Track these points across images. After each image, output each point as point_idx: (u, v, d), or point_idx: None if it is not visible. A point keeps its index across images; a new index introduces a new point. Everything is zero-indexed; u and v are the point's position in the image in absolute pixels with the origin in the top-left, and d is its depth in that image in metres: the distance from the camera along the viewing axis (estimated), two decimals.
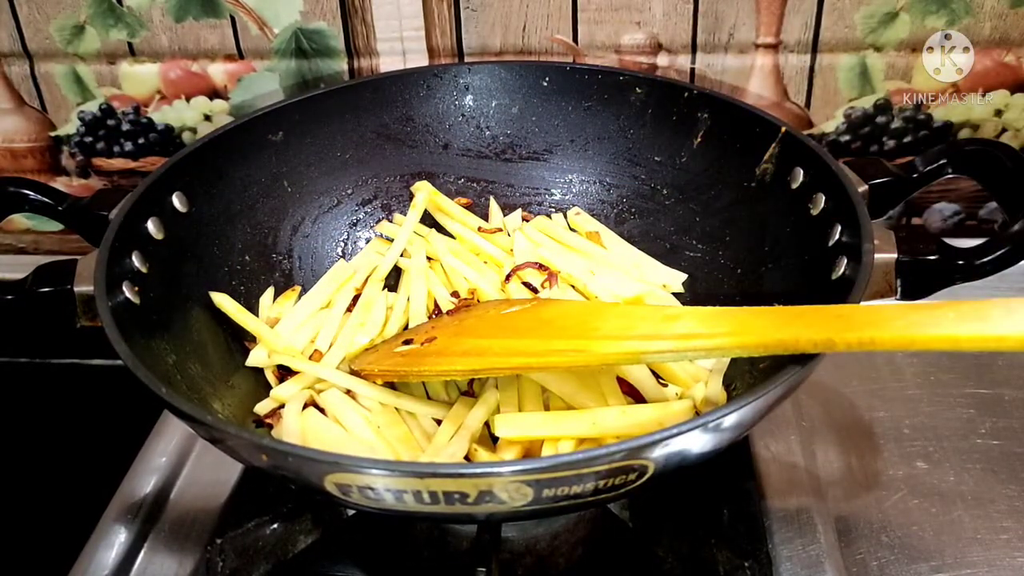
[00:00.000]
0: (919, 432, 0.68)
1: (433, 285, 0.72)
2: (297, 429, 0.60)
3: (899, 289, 0.57)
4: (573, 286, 0.71)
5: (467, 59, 0.82)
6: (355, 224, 0.78)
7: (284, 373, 0.66)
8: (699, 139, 0.73)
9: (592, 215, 0.78)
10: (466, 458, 0.57)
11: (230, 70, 0.84)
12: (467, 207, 0.78)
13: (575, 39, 0.81)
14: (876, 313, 0.45)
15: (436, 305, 0.71)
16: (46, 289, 0.58)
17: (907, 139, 0.82)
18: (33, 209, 0.65)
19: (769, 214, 0.68)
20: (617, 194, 0.78)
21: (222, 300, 0.67)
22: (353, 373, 0.64)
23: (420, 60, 0.82)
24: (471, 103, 0.79)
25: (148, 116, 0.87)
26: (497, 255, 0.74)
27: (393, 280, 0.75)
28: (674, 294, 0.72)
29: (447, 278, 0.74)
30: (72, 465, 0.75)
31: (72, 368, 0.84)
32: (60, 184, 0.91)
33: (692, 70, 0.81)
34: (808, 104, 0.81)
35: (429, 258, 0.75)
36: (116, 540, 0.62)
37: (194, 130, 0.88)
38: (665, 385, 0.64)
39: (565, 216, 0.78)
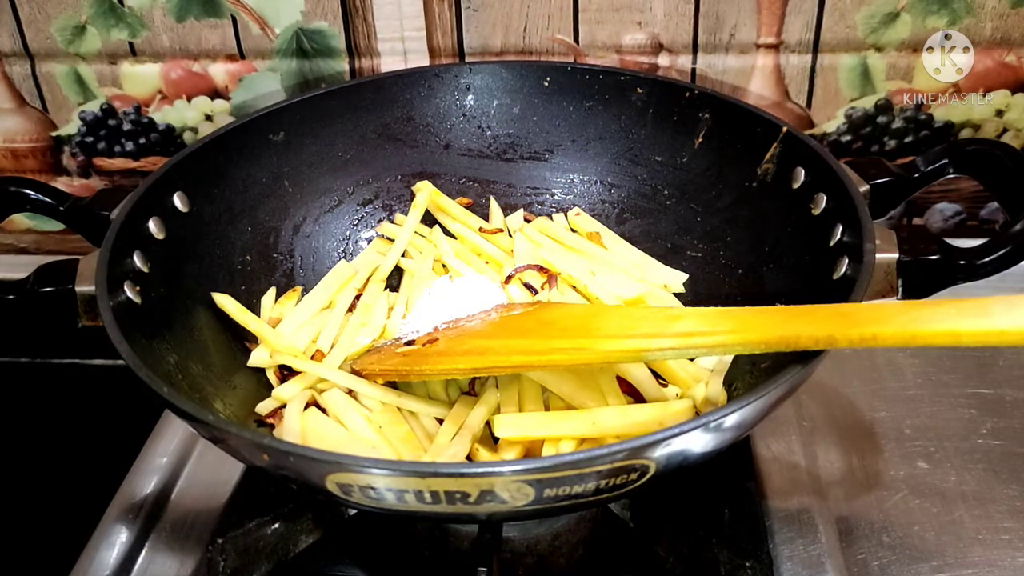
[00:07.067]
0: (920, 432, 0.68)
1: None
2: (298, 429, 0.60)
3: (900, 289, 0.57)
4: (574, 287, 0.71)
5: (468, 59, 0.82)
6: (356, 224, 0.78)
7: (286, 373, 0.66)
8: (700, 139, 0.73)
9: (593, 215, 0.77)
10: (468, 458, 0.57)
11: (231, 70, 0.84)
12: (468, 207, 0.78)
13: (576, 39, 0.81)
14: (878, 309, 0.45)
15: None
16: (47, 289, 0.58)
17: (908, 139, 0.82)
18: (34, 209, 0.65)
19: (770, 214, 0.68)
20: (618, 194, 0.78)
21: (224, 300, 0.67)
22: (354, 373, 0.64)
23: (421, 60, 0.82)
24: (472, 103, 0.79)
25: (149, 116, 0.87)
26: (498, 255, 0.74)
27: (395, 280, 0.75)
28: (675, 294, 0.72)
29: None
30: (73, 465, 0.75)
31: (73, 368, 0.84)
32: (61, 184, 0.91)
33: (693, 70, 0.81)
34: (809, 104, 0.81)
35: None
36: (117, 540, 0.62)
37: (195, 130, 0.88)
38: (665, 385, 0.63)
39: (566, 216, 0.78)
